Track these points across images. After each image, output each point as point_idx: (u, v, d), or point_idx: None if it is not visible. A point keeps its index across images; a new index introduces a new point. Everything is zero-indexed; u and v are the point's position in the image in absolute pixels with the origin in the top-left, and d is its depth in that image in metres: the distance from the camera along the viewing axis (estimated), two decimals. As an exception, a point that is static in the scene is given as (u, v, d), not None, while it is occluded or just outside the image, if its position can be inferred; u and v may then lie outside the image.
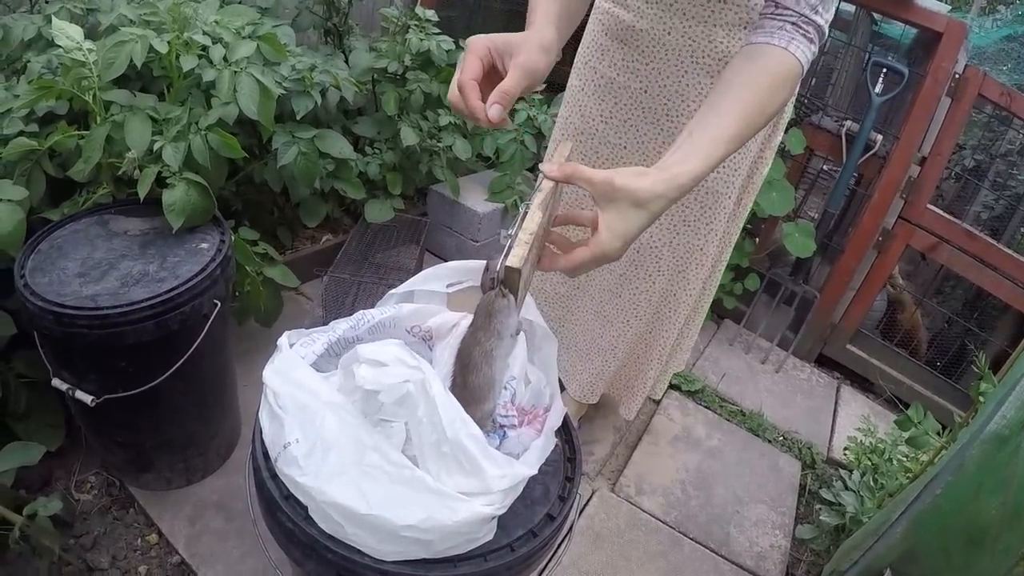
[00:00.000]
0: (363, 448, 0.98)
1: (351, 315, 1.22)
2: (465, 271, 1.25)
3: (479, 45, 1.05)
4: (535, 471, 1.05)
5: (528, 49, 1.04)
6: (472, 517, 0.96)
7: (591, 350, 2.06)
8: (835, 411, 3.00)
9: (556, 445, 1.19)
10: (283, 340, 1.14)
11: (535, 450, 1.09)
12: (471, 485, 0.98)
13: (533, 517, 1.11)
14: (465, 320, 1.19)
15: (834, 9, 1.17)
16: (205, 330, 1.71)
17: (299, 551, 1.03)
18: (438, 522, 0.94)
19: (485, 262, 1.18)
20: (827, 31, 1.16)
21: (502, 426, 1.18)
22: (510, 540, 1.05)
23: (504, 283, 0.99)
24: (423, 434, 1.00)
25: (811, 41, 1.13)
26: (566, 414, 1.23)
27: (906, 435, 1.98)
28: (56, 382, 1.67)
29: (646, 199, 0.97)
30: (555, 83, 2.48)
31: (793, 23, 1.12)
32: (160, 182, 1.78)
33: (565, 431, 1.27)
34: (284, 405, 1.03)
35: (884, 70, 2.84)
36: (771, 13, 1.15)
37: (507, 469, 1.01)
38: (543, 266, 1.06)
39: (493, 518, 1.01)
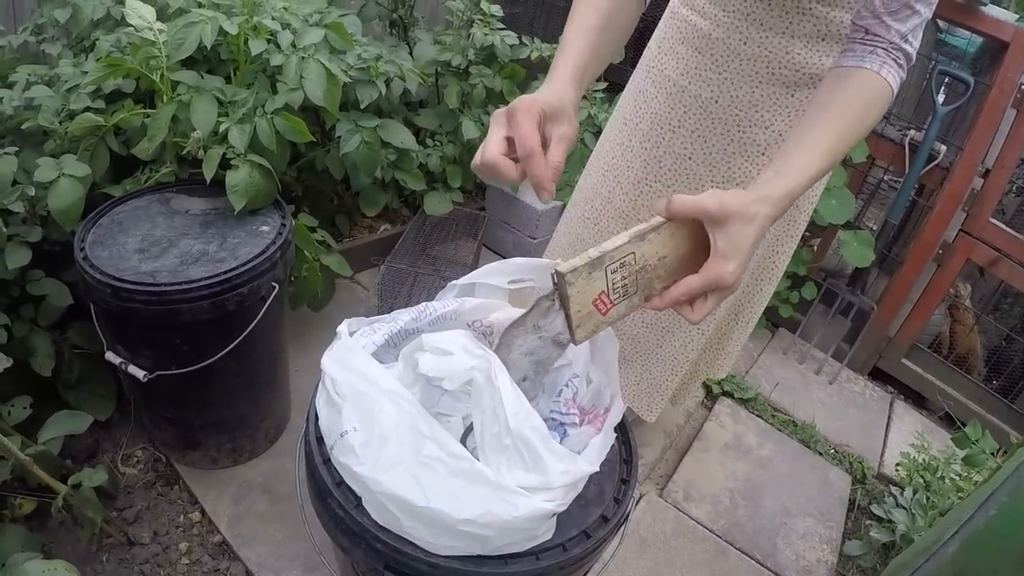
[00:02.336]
0: (421, 439, 0.96)
1: (413, 306, 1.20)
2: (529, 269, 1.23)
3: (505, 119, 1.01)
4: (596, 468, 1.03)
5: (568, 118, 1.03)
6: (533, 513, 0.94)
7: (649, 361, 1.99)
8: (888, 426, 2.93)
9: (612, 445, 1.16)
10: (343, 327, 1.12)
11: (595, 447, 1.07)
12: (532, 480, 0.96)
13: (587, 518, 1.08)
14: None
15: (920, 37, 1.16)
16: (262, 312, 1.71)
17: (347, 539, 1.02)
18: (497, 517, 0.92)
19: (553, 263, 1.17)
20: (915, 58, 1.16)
21: (562, 424, 1.17)
22: (563, 540, 1.03)
23: (557, 287, 0.97)
24: (485, 424, 0.98)
25: (900, 67, 1.14)
26: (624, 414, 1.21)
27: (962, 453, 1.94)
28: (110, 356, 1.69)
29: (752, 214, 0.95)
30: (616, 83, 2.46)
31: (884, 49, 1.13)
32: (223, 164, 1.78)
33: (622, 432, 1.25)
34: (342, 392, 1.01)
35: (949, 79, 2.78)
36: (860, 39, 1.15)
37: (569, 464, 0.99)
38: (655, 304, 1.01)
39: (553, 515, 0.99)
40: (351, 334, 1.13)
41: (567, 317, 0.99)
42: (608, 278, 0.97)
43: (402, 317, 1.19)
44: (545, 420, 1.08)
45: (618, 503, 1.13)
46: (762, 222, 0.96)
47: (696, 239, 0.98)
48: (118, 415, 2.07)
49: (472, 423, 1.01)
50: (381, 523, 0.97)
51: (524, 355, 1.05)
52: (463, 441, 1.04)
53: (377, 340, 1.13)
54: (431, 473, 0.94)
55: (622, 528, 1.15)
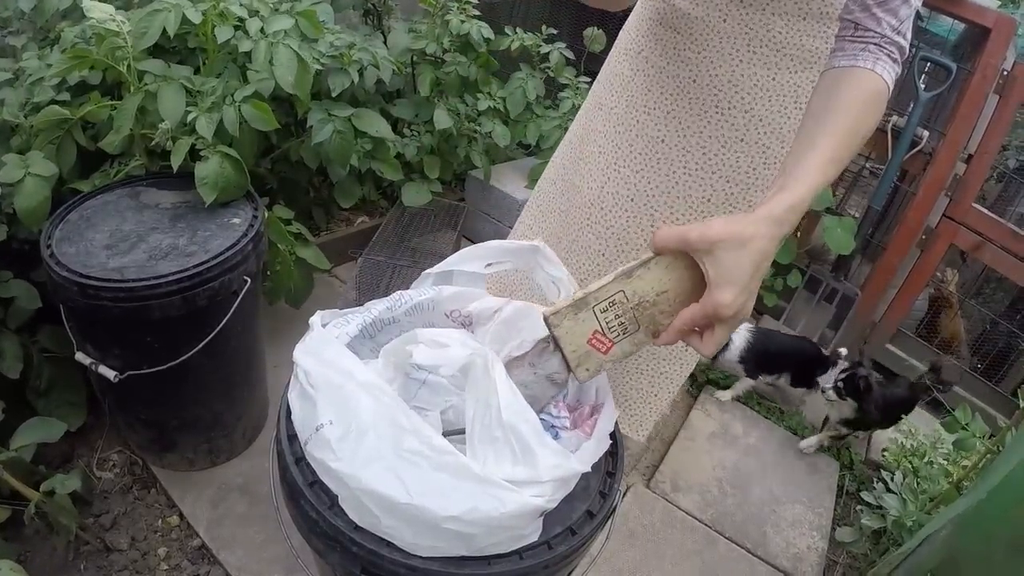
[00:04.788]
0: (402, 432, 0.90)
1: (387, 296, 1.16)
2: (504, 251, 1.18)
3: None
4: (588, 468, 0.98)
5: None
6: (520, 509, 0.88)
7: (640, 380, 1.87)
8: (874, 412, 2.91)
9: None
10: (315, 319, 1.07)
11: (588, 450, 1.02)
12: (520, 473, 0.91)
13: (572, 513, 1.03)
14: (508, 306, 1.14)
15: (911, 29, 1.12)
16: (234, 307, 1.67)
17: (322, 542, 0.96)
18: (484, 514, 0.87)
19: (529, 243, 1.13)
20: (908, 50, 1.12)
21: (553, 426, 1.12)
22: (547, 537, 0.98)
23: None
24: (477, 414, 0.93)
25: (895, 62, 1.09)
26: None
27: (950, 437, 1.92)
28: (80, 356, 1.65)
29: (746, 237, 0.89)
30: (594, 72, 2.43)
31: (876, 44, 1.09)
32: (194, 155, 1.74)
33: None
34: (316, 384, 0.96)
35: (930, 65, 2.78)
36: (850, 36, 1.11)
37: (561, 459, 0.94)
38: (663, 340, 0.96)
39: (542, 513, 0.94)
40: (324, 326, 1.08)
41: (563, 358, 0.98)
42: (599, 317, 0.95)
43: (376, 307, 1.14)
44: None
45: (604, 497, 1.08)
46: (761, 244, 0.90)
47: (698, 269, 0.93)
48: (92, 418, 2.02)
49: (453, 415, 0.97)
50: (359, 523, 0.92)
51: (518, 386, 1.00)
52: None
53: (351, 331, 1.09)
54: (413, 468, 0.88)
55: (609, 522, 1.11)
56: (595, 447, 1.04)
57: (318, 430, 0.93)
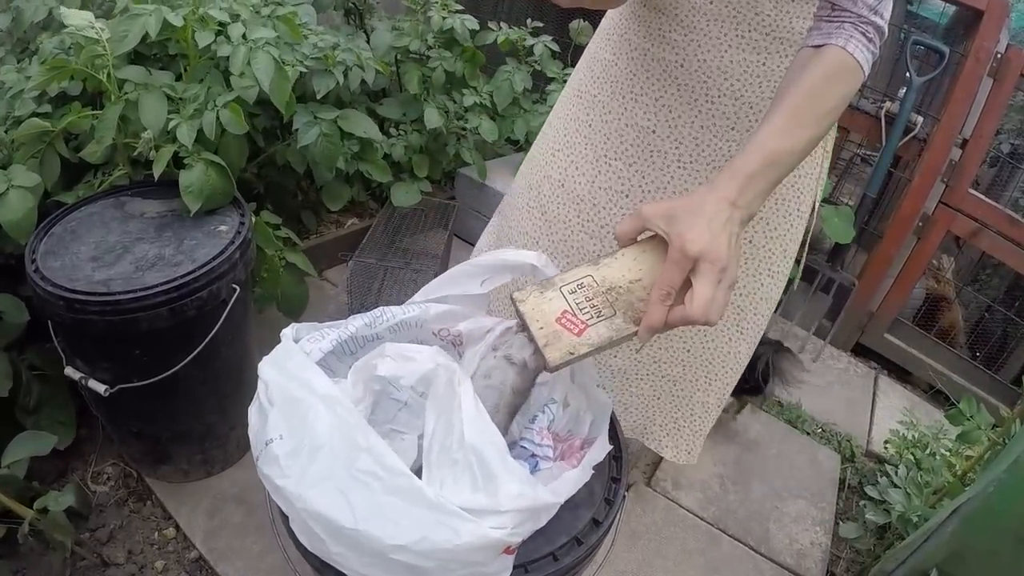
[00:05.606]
0: (356, 450, 0.83)
1: (384, 301, 1.10)
2: (501, 267, 1.11)
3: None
4: (560, 500, 0.90)
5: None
6: (477, 542, 0.79)
7: (691, 404, 1.81)
8: (873, 402, 2.91)
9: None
10: (287, 332, 1.02)
11: (567, 481, 0.95)
12: (479, 501, 0.82)
13: (576, 522, 1.00)
14: (500, 326, 1.06)
15: (891, 8, 1.11)
16: (223, 317, 1.64)
17: (314, 562, 0.92)
18: (435, 545, 0.78)
19: (526, 258, 1.08)
20: (886, 31, 1.10)
21: (534, 455, 1.05)
22: (552, 548, 0.95)
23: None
24: (436, 434, 0.86)
25: (870, 40, 1.08)
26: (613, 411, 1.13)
27: (954, 429, 1.90)
28: (69, 371, 1.62)
29: (696, 204, 0.90)
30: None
31: (851, 23, 1.07)
32: (179, 163, 1.72)
33: (610, 427, 1.14)
34: (273, 397, 0.91)
35: (922, 50, 2.76)
36: (827, 16, 1.10)
37: (526, 488, 0.84)
38: (648, 320, 0.91)
39: (507, 547, 0.84)
40: (297, 340, 1.02)
41: (532, 339, 0.93)
42: (567, 298, 0.92)
43: (355, 322, 1.07)
44: (513, 447, 0.99)
45: (609, 504, 1.05)
46: (715, 205, 0.90)
47: None
48: (86, 431, 2.01)
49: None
50: (308, 547, 0.86)
51: (482, 377, 0.96)
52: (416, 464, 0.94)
53: (324, 347, 1.02)
54: (364, 490, 0.81)
55: (613, 528, 1.08)
56: (577, 477, 0.97)
57: (267, 445, 0.88)
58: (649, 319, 0.90)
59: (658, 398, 1.76)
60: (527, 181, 1.71)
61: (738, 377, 1.77)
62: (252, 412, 0.95)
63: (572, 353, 0.92)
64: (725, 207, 0.91)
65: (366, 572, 0.82)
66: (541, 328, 0.92)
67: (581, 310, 0.92)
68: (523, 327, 0.93)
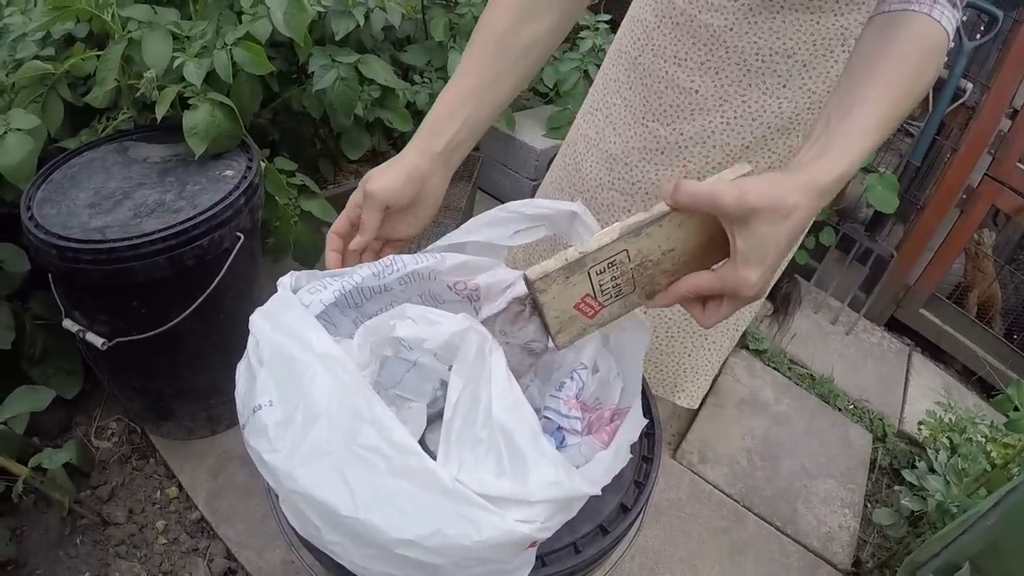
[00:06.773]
0: (359, 421, 0.70)
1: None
2: (538, 215, 0.97)
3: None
4: (597, 491, 0.77)
5: (418, 210, 1.04)
6: (501, 538, 0.67)
7: (693, 346, 1.71)
8: (907, 380, 2.80)
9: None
10: (285, 279, 0.88)
11: (600, 464, 0.83)
12: (503, 488, 0.69)
13: (602, 507, 0.88)
14: (521, 281, 0.89)
15: None
16: (226, 267, 1.56)
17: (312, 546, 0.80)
18: (450, 540, 0.66)
19: (567, 206, 0.95)
20: None
21: (560, 428, 0.91)
22: (574, 538, 0.84)
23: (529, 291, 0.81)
24: (459, 405, 0.73)
25: (955, 7, 0.89)
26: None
27: (993, 415, 1.80)
28: (67, 323, 1.55)
29: (789, 207, 0.74)
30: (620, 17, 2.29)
31: None
32: (186, 105, 1.63)
33: (643, 397, 0.98)
34: (262, 357, 0.77)
35: (976, 12, 2.62)
36: None
37: (562, 474, 0.72)
38: (658, 301, 0.83)
39: (532, 543, 0.72)
40: (295, 290, 0.88)
41: (544, 324, 0.83)
42: (593, 280, 0.80)
43: (361, 271, 0.91)
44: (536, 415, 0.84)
45: (640, 488, 0.92)
46: (801, 216, 0.75)
47: (714, 227, 0.78)
48: (90, 386, 1.96)
49: (442, 408, 0.75)
50: (300, 532, 0.75)
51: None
52: (424, 438, 0.83)
53: (325, 298, 0.87)
54: (366, 469, 0.68)
55: (642, 515, 0.95)
56: (611, 460, 0.84)
57: (255, 411, 0.75)
58: (660, 302, 0.83)
59: (671, 338, 1.67)
60: (566, 139, 1.64)
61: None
62: (240, 371, 0.82)
63: (582, 334, 0.86)
64: (809, 219, 0.77)
65: (367, 565, 0.70)
66: (557, 317, 0.82)
67: (603, 292, 0.81)
68: (534, 310, 0.82)
